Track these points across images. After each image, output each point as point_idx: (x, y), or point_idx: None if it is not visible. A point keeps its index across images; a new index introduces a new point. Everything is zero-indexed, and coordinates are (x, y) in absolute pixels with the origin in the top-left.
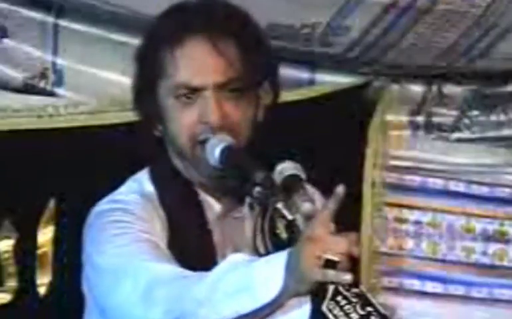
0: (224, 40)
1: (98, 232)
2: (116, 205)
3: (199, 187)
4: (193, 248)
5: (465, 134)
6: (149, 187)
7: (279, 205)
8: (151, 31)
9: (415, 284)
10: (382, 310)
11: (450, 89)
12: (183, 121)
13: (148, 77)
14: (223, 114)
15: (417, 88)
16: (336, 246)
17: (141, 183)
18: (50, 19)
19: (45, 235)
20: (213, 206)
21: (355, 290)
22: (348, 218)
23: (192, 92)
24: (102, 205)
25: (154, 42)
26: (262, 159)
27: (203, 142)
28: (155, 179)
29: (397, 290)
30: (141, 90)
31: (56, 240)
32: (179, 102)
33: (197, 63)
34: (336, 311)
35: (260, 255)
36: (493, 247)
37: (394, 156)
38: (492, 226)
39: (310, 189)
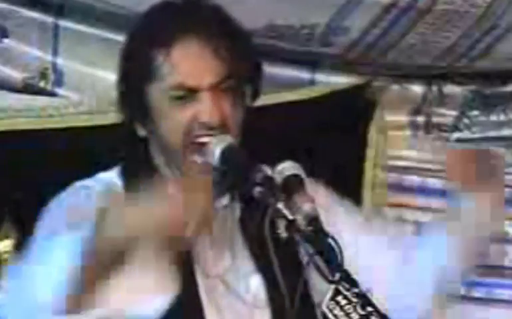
0: (216, 40)
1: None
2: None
3: None
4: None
5: (465, 134)
6: (117, 181)
7: (279, 205)
8: (138, 29)
9: None
10: (382, 310)
11: (450, 89)
12: (177, 121)
13: (137, 77)
14: (220, 113)
15: (417, 88)
16: None
17: (106, 176)
18: (50, 19)
19: None
20: None
21: (355, 290)
22: None
23: (187, 92)
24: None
25: (143, 41)
26: (262, 158)
27: (199, 144)
28: (126, 175)
29: None
30: (128, 91)
31: None
32: (173, 102)
33: (192, 63)
34: (337, 311)
35: (259, 255)
36: (492, 247)
37: (394, 156)
38: None
39: (312, 183)
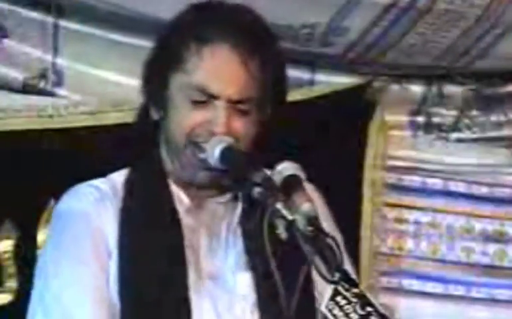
0: (252, 57)
1: (53, 250)
2: (75, 210)
3: (172, 179)
4: (158, 239)
5: (465, 134)
6: (121, 179)
7: (279, 205)
8: (177, 21)
9: (415, 284)
10: (382, 310)
11: (450, 89)
12: (187, 120)
13: (164, 63)
14: (230, 128)
15: (417, 88)
16: None
17: (115, 176)
18: (50, 19)
19: (45, 235)
20: (182, 199)
21: (355, 290)
22: (348, 218)
23: (205, 97)
24: (65, 201)
25: (179, 32)
26: (262, 158)
27: (198, 144)
28: (132, 170)
29: (397, 290)
30: (152, 74)
31: None
32: (189, 101)
33: (221, 70)
34: (336, 311)
35: (260, 255)
36: (492, 247)
37: (394, 156)
38: (492, 227)
39: (309, 187)
